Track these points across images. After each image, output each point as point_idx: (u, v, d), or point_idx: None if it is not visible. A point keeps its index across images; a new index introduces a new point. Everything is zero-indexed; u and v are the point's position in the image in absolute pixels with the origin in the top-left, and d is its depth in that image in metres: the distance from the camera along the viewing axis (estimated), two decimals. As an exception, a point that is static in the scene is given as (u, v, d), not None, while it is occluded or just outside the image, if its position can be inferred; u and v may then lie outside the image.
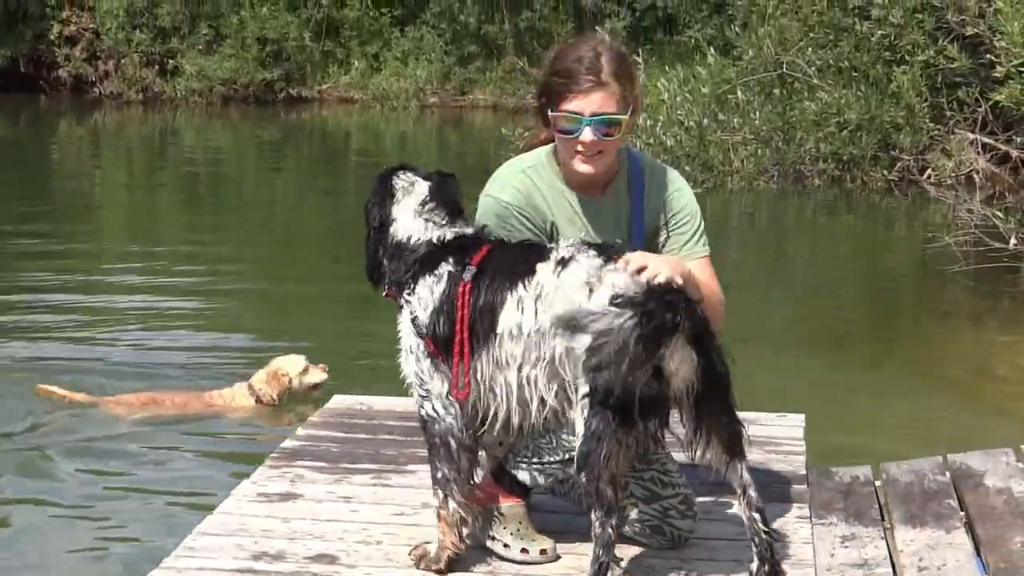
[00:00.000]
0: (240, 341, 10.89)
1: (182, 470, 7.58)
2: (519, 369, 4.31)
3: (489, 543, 4.69)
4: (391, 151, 28.63)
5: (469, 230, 4.57)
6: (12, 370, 9.51)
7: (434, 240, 4.52)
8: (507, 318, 4.31)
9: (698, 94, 18.93)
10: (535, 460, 4.59)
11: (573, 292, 4.22)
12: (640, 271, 4.23)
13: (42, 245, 15.00)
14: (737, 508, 4.38)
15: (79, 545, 6.44)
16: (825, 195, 18.78)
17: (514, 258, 4.39)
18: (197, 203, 20.67)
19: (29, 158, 24.76)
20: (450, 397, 4.44)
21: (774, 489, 5.47)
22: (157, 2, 37.02)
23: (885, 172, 18.51)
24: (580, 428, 4.17)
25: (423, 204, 4.58)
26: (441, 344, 4.42)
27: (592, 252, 4.29)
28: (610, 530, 4.15)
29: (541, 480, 4.64)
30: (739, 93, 19.21)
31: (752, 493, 4.32)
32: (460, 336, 4.35)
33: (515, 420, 4.39)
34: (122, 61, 36.82)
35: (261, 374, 8.67)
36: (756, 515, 4.32)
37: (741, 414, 5.95)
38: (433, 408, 4.47)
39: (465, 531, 4.59)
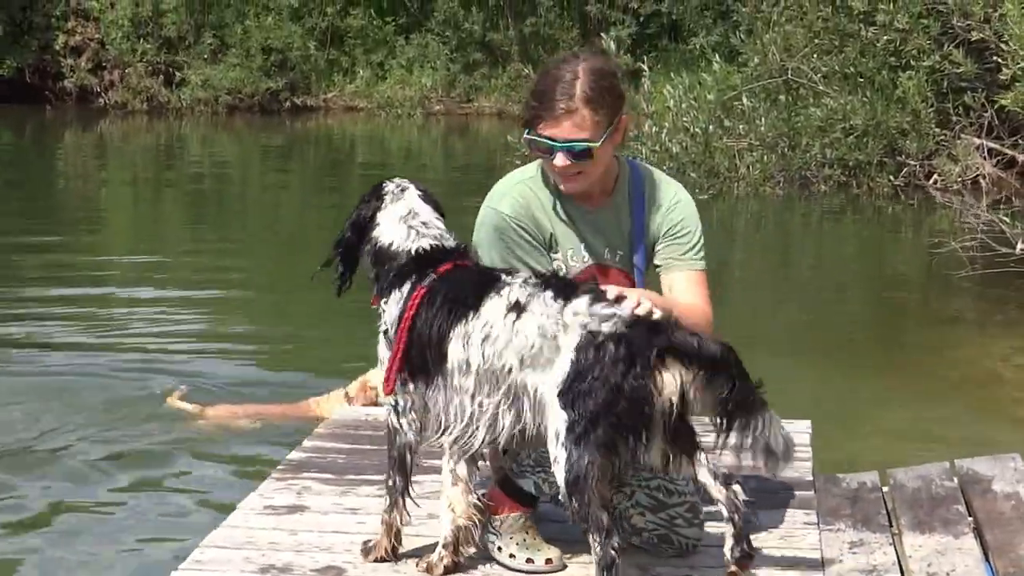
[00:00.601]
0: (246, 344, 10.93)
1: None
2: (472, 397, 4.35)
3: (495, 553, 4.70)
4: (396, 158, 28.67)
5: (451, 242, 4.60)
6: (29, 374, 9.64)
7: (413, 251, 4.54)
8: (454, 352, 4.36)
9: (703, 101, 18.93)
10: (539, 469, 4.59)
11: (529, 342, 4.23)
12: (619, 300, 4.24)
13: (48, 253, 15.03)
14: (717, 495, 4.34)
15: (111, 547, 6.51)
16: (831, 201, 18.79)
17: (464, 285, 4.41)
18: (204, 210, 20.70)
19: (35, 168, 24.76)
20: (413, 414, 4.51)
21: (781, 496, 5.47)
22: (162, 12, 37.06)
23: (891, 177, 18.52)
24: (561, 455, 4.16)
25: (411, 211, 4.61)
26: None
27: (549, 294, 4.28)
28: (612, 551, 4.14)
29: (546, 489, 4.64)
30: (744, 100, 19.22)
31: (725, 471, 4.33)
32: (400, 336, 4.42)
33: (468, 440, 4.42)
34: (127, 71, 36.85)
35: (356, 382, 8.61)
36: (736, 488, 4.31)
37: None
38: (397, 421, 4.54)
39: (470, 548, 4.65)
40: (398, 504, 4.63)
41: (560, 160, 4.54)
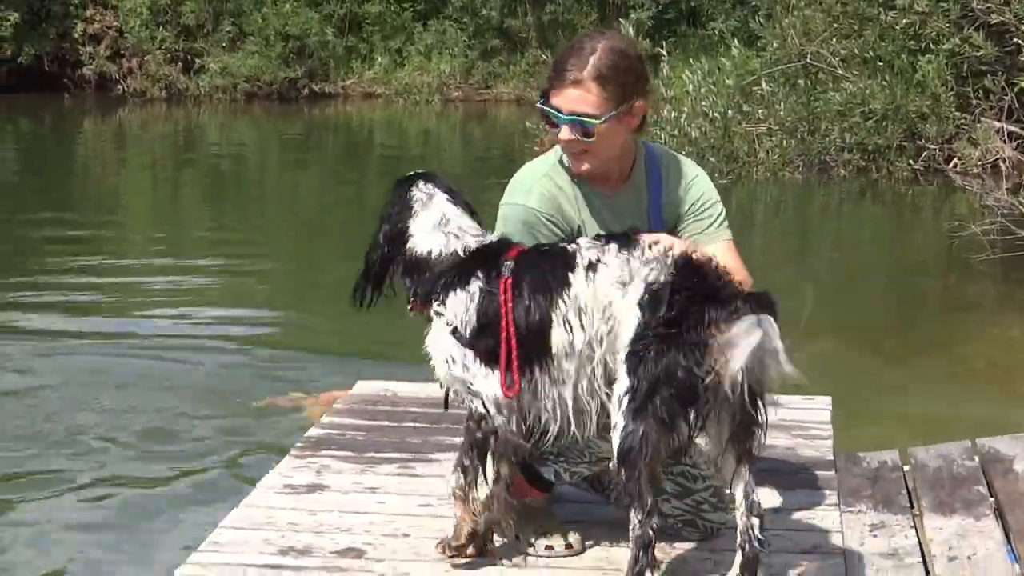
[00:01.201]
0: (264, 329, 10.98)
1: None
2: (575, 385, 4.25)
3: (512, 540, 4.64)
4: (415, 144, 28.67)
5: (492, 237, 4.50)
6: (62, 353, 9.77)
7: (460, 252, 4.43)
8: (558, 338, 4.23)
9: (722, 86, 18.93)
10: (561, 458, 4.56)
11: (607, 292, 4.16)
12: (654, 245, 4.20)
13: (69, 238, 15.09)
14: (738, 512, 4.20)
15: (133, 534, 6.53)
16: (851, 185, 18.76)
17: (545, 267, 4.30)
18: (222, 196, 20.75)
19: (55, 156, 24.82)
20: (504, 399, 4.34)
21: (802, 475, 5.45)
22: (180, 0, 37.08)
23: (911, 161, 18.50)
24: (620, 422, 4.08)
25: (443, 218, 4.49)
26: (489, 351, 4.33)
27: (615, 247, 4.23)
28: (650, 531, 4.08)
29: (566, 477, 4.62)
30: (763, 84, 19.21)
31: (755, 498, 4.19)
32: (506, 332, 4.27)
33: (570, 431, 4.31)
34: (146, 59, 36.88)
35: None
36: (756, 520, 4.17)
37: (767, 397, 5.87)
38: (484, 407, 4.36)
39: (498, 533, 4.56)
40: (474, 486, 4.43)
41: (565, 133, 4.45)
